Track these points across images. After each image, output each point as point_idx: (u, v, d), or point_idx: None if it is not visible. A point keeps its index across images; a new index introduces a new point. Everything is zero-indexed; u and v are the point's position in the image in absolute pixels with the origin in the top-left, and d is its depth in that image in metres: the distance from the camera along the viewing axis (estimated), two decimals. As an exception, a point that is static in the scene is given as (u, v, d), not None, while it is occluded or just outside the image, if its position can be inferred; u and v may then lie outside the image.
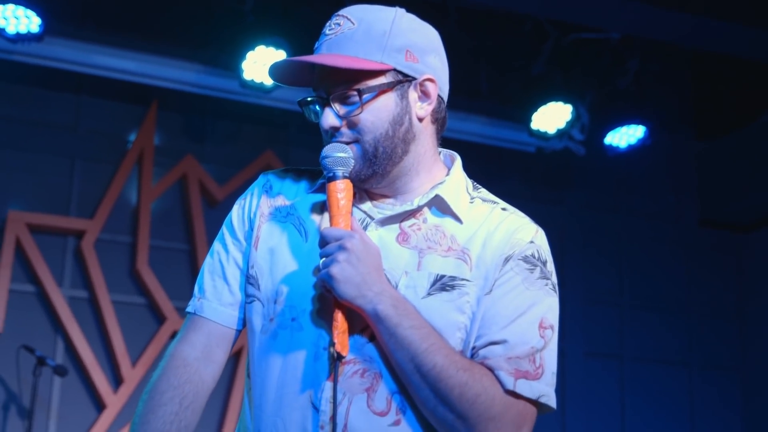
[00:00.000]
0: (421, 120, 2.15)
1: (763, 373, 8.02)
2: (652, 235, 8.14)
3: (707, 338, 8.13)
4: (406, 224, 2.14)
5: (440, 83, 2.16)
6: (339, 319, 2.02)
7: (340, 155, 2.09)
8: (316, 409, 2.03)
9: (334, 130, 2.12)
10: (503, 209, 2.19)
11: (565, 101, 6.87)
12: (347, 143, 2.11)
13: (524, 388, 2.03)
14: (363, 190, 2.19)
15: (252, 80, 6.40)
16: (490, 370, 2.04)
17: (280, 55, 6.15)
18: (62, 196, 6.65)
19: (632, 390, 7.84)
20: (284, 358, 2.09)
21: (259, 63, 6.27)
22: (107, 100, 6.84)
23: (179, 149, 6.91)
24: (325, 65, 2.09)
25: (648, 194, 8.17)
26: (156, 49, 6.64)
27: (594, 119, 7.10)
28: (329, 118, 2.11)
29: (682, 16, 6.55)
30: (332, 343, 2.01)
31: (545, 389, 2.07)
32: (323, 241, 2.05)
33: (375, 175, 2.12)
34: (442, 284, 2.07)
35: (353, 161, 2.10)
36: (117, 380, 6.45)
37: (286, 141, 7.14)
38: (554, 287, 2.14)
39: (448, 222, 2.14)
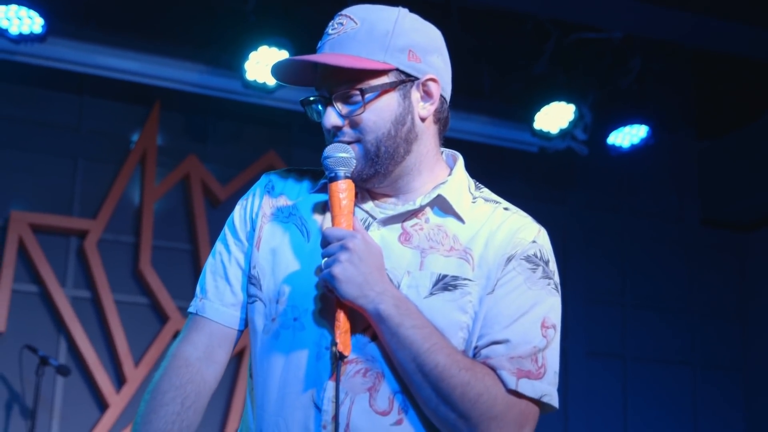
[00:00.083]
0: (423, 120, 2.15)
1: (766, 372, 8.01)
2: (654, 235, 8.14)
3: (709, 338, 8.13)
4: (408, 224, 2.14)
5: (443, 83, 2.17)
6: (341, 318, 2.02)
7: (341, 155, 2.09)
8: (318, 408, 2.03)
9: (336, 130, 2.12)
10: (505, 209, 2.19)
11: (568, 101, 6.87)
12: (349, 143, 2.11)
13: (526, 387, 2.03)
14: (365, 190, 2.19)
15: (255, 80, 6.40)
16: (492, 369, 2.04)
17: (283, 55, 6.15)
18: (65, 196, 6.66)
19: (634, 390, 7.84)
20: (286, 358, 2.09)
21: (262, 63, 6.27)
22: (110, 101, 6.85)
23: (182, 149, 6.91)
24: (328, 64, 2.09)
25: (650, 194, 8.17)
26: (158, 49, 6.64)
27: (596, 119, 7.10)
28: (331, 117, 2.11)
29: (684, 15, 6.55)
30: (334, 343, 2.01)
31: (547, 389, 2.07)
32: (325, 241, 2.05)
33: (377, 175, 2.12)
34: (445, 284, 2.07)
35: (355, 161, 2.10)
36: (120, 380, 6.46)
37: (288, 141, 7.14)
38: (556, 287, 2.13)
39: (450, 222, 2.14)
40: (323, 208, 2.19)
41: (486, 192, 2.24)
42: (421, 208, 2.15)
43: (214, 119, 7.07)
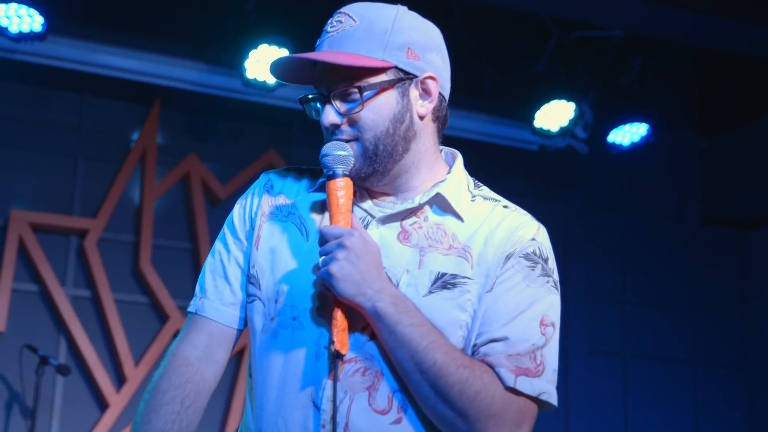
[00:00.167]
0: (422, 118, 2.14)
1: (767, 371, 8.01)
2: (655, 233, 8.14)
3: (710, 336, 8.12)
4: (407, 222, 2.14)
5: (442, 81, 2.16)
6: (338, 317, 2.02)
7: (339, 153, 2.09)
8: (317, 407, 2.03)
9: (335, 128, 2.11)
10: (505, 207, 2.18)
11: (568, 99, 6.87)
12: (347, 141, 2.10)
13: (525, 385, 2.03)
14: (363, 189, 2.19)
15: (255, 79, 6.40)
16: (491, 367, 2.03)
17: (283, 53, 6.15)
18: (65, 195, 6.65)
19: (635, 388, 7.84)
20: (285, 357, 2.09)
21: (262, 62, 6.27)
22: (110, 99, 6.85)
23: (182, 148, 6.91)
24: (326, 62, 2.08)
25: (651, 192, 8.17)
26: (159, 48, 6.64)
27: (597, 117, 7.09)
28: (330, 115, 2.10)
29: (685, 13, 6.54)
30: (331, 342, 2.01)
31: (546, 386, 2.06)
32: (323, 239, 2.04)
33: (375, 174, 2.12)
34: (444, 282, 2.06)
35: (353, 159, 2.09)
36: (120, 379, 6.46)
37: (288, 140, 7.14)
38: (556, 284, 2.13)
39: (449, 220, 2.14)
40: (322, 207, 2.19)
41: (485, 190, 2.23)
42: (420, 207, 2.14)
43: (214, 118, 7.07)
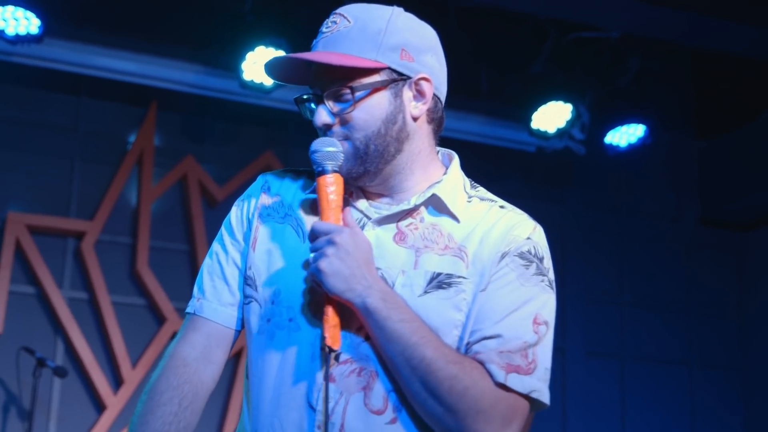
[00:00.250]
0: (415, 119, 2.15)
1: (764, 372, 8.01)
2: (652, 234, 8.14)
3: (707, 337, 8.12)
4: (403, 224, 2.14)
5: (436, 83, 2.16)
6: (329, 313, 2.02)
7: (329, 149, 2.09)
8: (312, 408, 2.03)
9: (327, 128, 2.12)
10: (501, 207, 2.18)
11: (566, 100, 6.87)
12: (339, 141, 2.11)
13: (515, 382, 2.02)
14: (359, 189, 2.19)
15: (252, 81, 6.40)
16: (481, 363, 2.03)
17: (279, 55, 6.14)
18: (62, 197, 6.65)
19: (632, 389, 7.83)
20: (281, 359, 2.10)
21: (259, 63, 6.26)
22: (107, 101, 6.84)
23: (179, 150, 6.90)
24: (319, 62, 2.09)
25: (648, 193, 8.17)
26: (155, 50, 6.64)
27: (594, 118, 7.09)
28: (322, 115, 2.11)
29: (682, 14, 6.55)
30: (323, 337, 2.01)
31: (537, 384, 2.05)
32: (313, 236, 2.05)
33: (367, 174, 2.12)
34: (439, 282, 2.06)
35: (342, 155, 2.10)
36: (117, 381, 6.45)
37: (285, 142, 7.14)
38: (551, 284, 2.13)
39: (445, 221, 2.14)
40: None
41: (482, 191, 2.23)
42: (416, 208, 2.14)
43: (211, 120, 7.06)
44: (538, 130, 7.02)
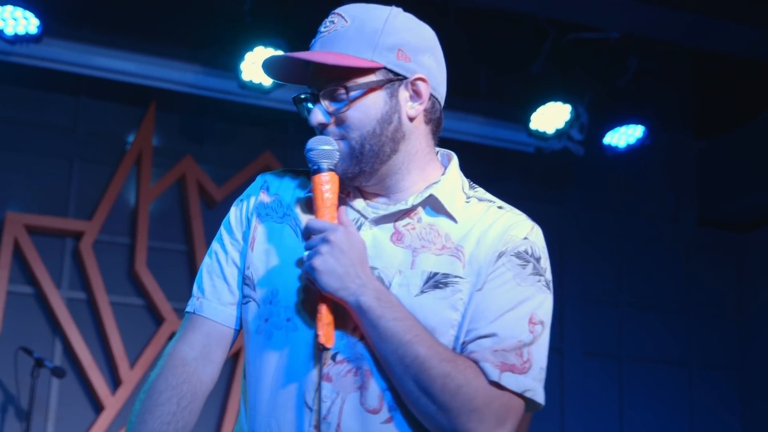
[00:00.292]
0: (411, 119, 2.14)
1: (763, 372, 8.01)
2: (651, 235, 8.14)
3: (706, 338, 8.12)
4: (400, 224, 2.14)
5: (434, 83, 2.16)
6: (323, 311, 2.02)
7: (324, 148, 2.10)
8: (309, 408, 2.03)
9: (323, 127, 2.13)
10: (499, 207, 2.18)
11: (564, 101, 6.87)
12: (335, 140, 2.11)
13: (510, 381, 2.01)
14: (357, 189, 2.19)
15: (250, 81, 6.40)
16: (475, 362, 2.02)
17: (277, 54, 6.14)
18: (61, 197, 6.64)
19: (631, 390, 7.83)
20: (279, 359, 2.09)
21: (258, 64, 6.25)
22: (106, 102, 6.84)
23: (178, 150, 6.90)
24: (314, 62, 2.10)
25: (647, 194, 8.17)
26: (154, 50, 6.64)
27: (593, 119, 7.09)
28: (317, 114, 2.12)
29: (680, 15, 6.55)
30: (316, 335, 2.01)
31: (532, 384, 2.04)
32: (307, 233, 2.06)
33: (363, 173, 2.12)
34: (435, 282, 2.06)
35: (338, 153, 2.10)
36: (115, 382, 6.45)
37: (284, 142, 7.13)
38: (548, 284, 2.12)
39: (442, 221, 2.14)
40: None
41: (480, 192, 2.23)
42: (413, 208, 2.14)
43: (210, 120, 7.06)
44: (537, 131, 7.02)
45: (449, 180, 2.18)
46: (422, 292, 2.06)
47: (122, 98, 6.84)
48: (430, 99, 2.16)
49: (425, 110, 2.16)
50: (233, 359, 6.58)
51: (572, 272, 7.74)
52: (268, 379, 2.10)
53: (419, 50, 2.14)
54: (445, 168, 2.23)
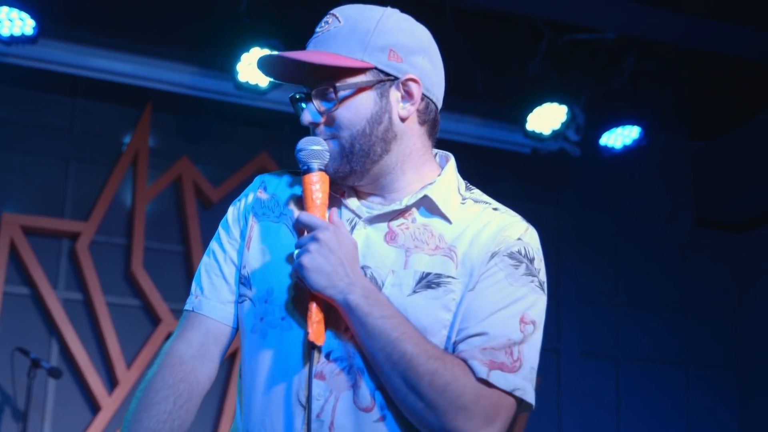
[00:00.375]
0: (403, 120, 2.14)
1: (759, 372, 8.02)
2: (647, 235, 8.14)
3: (703, 338, 8.13)
4: (394, 223, 2.14)
5: (428, 84, 2.16)
6: (313, 309, 2.03)
7: (314, 148, 2.10)
8: (302, 406, 2.03)
9: (314, 126, 2.14)
10: (494, 209, 2.18)
11: (561, 102, 6.87)
12: (326, 140, 2.12)
13: (499, 379, 2.00)
14: (352, 189, 2.20)
15: (247, 82, 6.40)
16: (464, 360, 2.01)
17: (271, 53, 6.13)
18: (57, 198, 6.64)
19: (628, 390, 7.84)
20: (273, 357, 2.10)
21: (254, 65, 6.23)
22: (102, 102, 6.83)
23: (174, 151, 6.90)
24: (308, 62, 2.10)
25: (643, 194, 8.17)
26: (151, 51, 6.64)
27: (589, 120, 7.10)
28: (307, 114, 2.14)
29: (676, 15, 6.55)
30: (306, 333, 2.02)
31: (521, 383, 2.03)
32: (298, 226, 2.07)
33: (354, 173, 2.13)
34: (428, 282, 2.06)
35: (328, 154, 2.11)
36: (112, 382, 6.44)
37: (281, 143, 7.13)
38: (541, 285, 2.11)
39: (436, 222, 2.14)
40: None
41: (477, 193, 2.23)
42: (407, 208, 2.14)
43: (206, 121, 7.06)
44: (533, 132, 7.02)
45: (445, 181, 2.18)
46: (414, 292, 2.05)
47: (118, 99, 6.84)
48: (423, 100, 2.16)
49: (418, 111, 2.16)
50: (230, 359, 6.58)
51: (569, 273, 7.74)
52: (263, 378, 2.10)
53: (412, 51, 2.14)
54: (442, 169, 2.23)
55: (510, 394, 2.02)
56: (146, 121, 6.82)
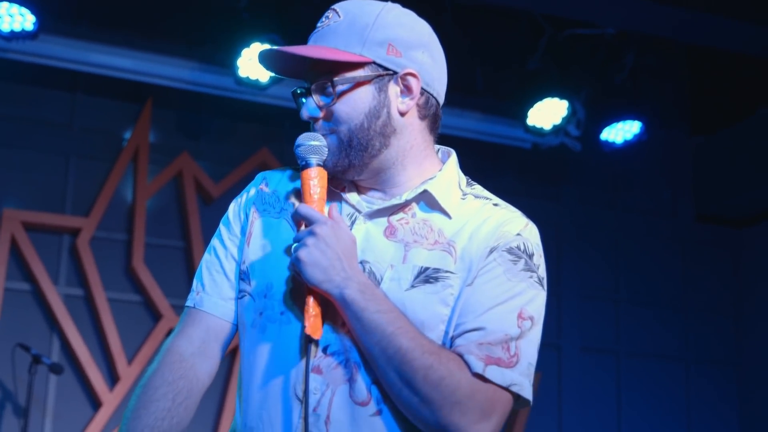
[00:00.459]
0: (403, 114, 2.14)
1: (759, 368, 8.02)
2: (648, 231, 8.14)
3: (703, 333, 8.13)
4: (394, 218, 2.14)
5: (427, 79, 2.15)
6: (310, 303, 2.03)
7: (313, 143, 2.11)
8: (299, 400, 2.03)
9: (314, 121, 2.14)
10: (495, 204, 2.18)
11: (561, 97, 6.87)
12: (324, 135, 2.13)
13: (495, 374, 2.00)
14: (352, 184, 2.20)
15: (247, 77, 6.40)
16: (460, 355, 2.01)
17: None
18: (57, 193, 6.64)
19: (628, 385, 7.84)
20: (271, 352, 2.10)
21: (254, 60, 6.26)
22: (102, 98, 6.83)
23: (174, 147, 6.90)
24: (308, 56, 2.11)
25: (644, 190, 8.17)
26: (151, 46, 6.63)
27: (590, 115, 7.09)
28: (305, 108, 2.14)
29: (677, 11, 6.54)
30: (303, 327, 2.02)
31: (518, 378, 2.03)
32: (296, 218, 2.08)
33: (352, 167, 2.13)
34: (426, 276, 2.06)
35: (327, 149, 2.11)
36: (113, 378, 6.45)
37: (281, 138, 7.12)
38: (540, 281, 2.11)
39: (436, 217, 2.14)
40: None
41: (478, 189, 2.23)
42: (407, 203, 2.14)
43: (206, 116, 7.06)
44: (534, 127, 7.02)
45: (445, 176, 2.18)
46: (413, 286, 2.05)
47: (119, 95, 6.83)
48: (423, 95, 2.15)
49: (418, 106, 2.16)
50: (231, 356, 6.58)
51: (569, 268, 7.74)
52: (261, 372, 2.10)
53: (411, 46, 2.14)
54: (444, 165, 2.23)
55: (506, 389, 2.02)
56: (147, 117, 6.82)
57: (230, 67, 6.40)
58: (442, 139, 2.28)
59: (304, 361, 2.03)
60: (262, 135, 7.11)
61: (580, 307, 7.77)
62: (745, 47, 7.01)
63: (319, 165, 2.11)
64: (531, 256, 2.10)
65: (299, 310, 2.08)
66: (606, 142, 7.20)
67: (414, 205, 2.15)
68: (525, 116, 6.96)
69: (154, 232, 6.75)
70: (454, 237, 2.10)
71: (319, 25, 2.17)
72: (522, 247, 2.10)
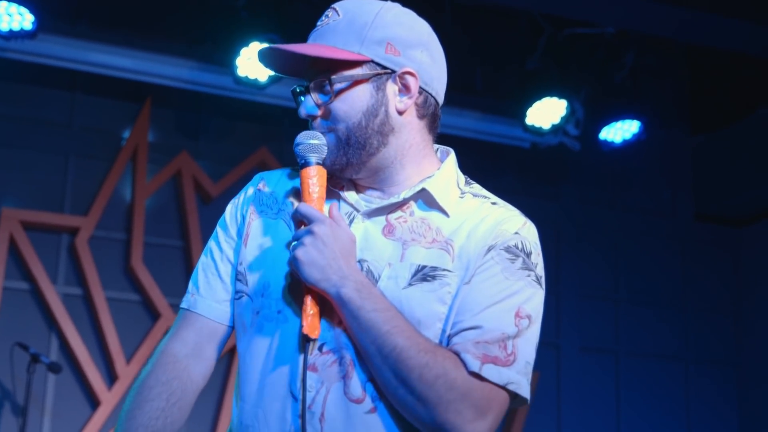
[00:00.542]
0: (401, 113, 2.14)
1: (759, 367, 8.02)
2: (647, 230, 8.14)
3: (703, 333, 8.13)
4: (392, 217, 2.14)
5: (426, 78, 2.15)
6: (308, 301, 2.04)
7: (312, 142, 2.11)
8: (295, 398, 2.04)
9: (312, 119, 2.15)
10: (493, 203, 2.18)
11: (560, 96, 6.87)
12: (323, 133, 2.13)
13: (492, 372, 1.99)
14: (351, 182, 2.20)
15: (246, 77, 6.40)
16: (456, 354, 2.01)
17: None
18: (56, 193, 6.64)
19: (628, 385, 7.84)
20: (268, 350, 2.10)
21: (253, 59, 6.26)
22: (101, 97, 6.83)
23: (173, 146, 6.90)
24: (307, 55, 2.11)
25: (643, 189, 8.17)
26: (150, 46, 6.64)
27: (589, 114, 7.09)
28: (305, 106, 2.15)
29: (676, 10, 6.54)
30: (301, 326, 2.02)
31: (515, 377, 2.02)
32: (296, 217, 2.07)
33: (350, 165, 2.13)
34: (424, 274, 2.06)
35: (326, 148, 2.11)
36: (111, 377, 6.45)
37: (280, 137, 7.13)
38: (538, 280, 2.10)
39: (434, 215, 2.14)
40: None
41: (476, 188, 2.23)
42: (405, 202, 2.14)
43: (205, 116, 7.06)
44: (533, 126, 7.02)
45: (443, 175, 2.18)
46: (410, 284, 2.05)
47: (118, 94, 6.83)
48: (422, 94, 2.15)
49: (417, 105, 2.16)
50: (228, 356, 6.58)
51: (568, 268, 7.74)
52: (257, 371, 2.10)
53: (410, 45, 2.14)
54: (442, 163, 2.23)
55: (503, 387, 2.01)
56: (145, 116, 6.82)
57: (229, 67, 6.40)
58: (441, 139, 2.28)
59: (300, 360, 2.03)
60: (261, 134, 7.11)
61: (579, 306, 7.77)
62: (745, 47, 7.01)
63: (318, 164, 2.11)
64: (529, 255, 2.10)
65: (296, 308, 2.08)
66: (605, 142, 7.20)
67: (412, 203, 2.15)
68: (524, 115, 6.97)
69: (153, 231, 6.75)
70: (452, 235, 2.10)
71: (318, 23, 2.17)
72: (520, 246, 2.10)
